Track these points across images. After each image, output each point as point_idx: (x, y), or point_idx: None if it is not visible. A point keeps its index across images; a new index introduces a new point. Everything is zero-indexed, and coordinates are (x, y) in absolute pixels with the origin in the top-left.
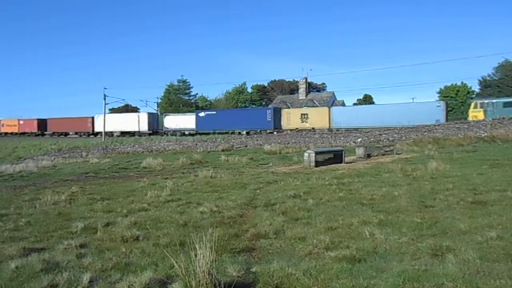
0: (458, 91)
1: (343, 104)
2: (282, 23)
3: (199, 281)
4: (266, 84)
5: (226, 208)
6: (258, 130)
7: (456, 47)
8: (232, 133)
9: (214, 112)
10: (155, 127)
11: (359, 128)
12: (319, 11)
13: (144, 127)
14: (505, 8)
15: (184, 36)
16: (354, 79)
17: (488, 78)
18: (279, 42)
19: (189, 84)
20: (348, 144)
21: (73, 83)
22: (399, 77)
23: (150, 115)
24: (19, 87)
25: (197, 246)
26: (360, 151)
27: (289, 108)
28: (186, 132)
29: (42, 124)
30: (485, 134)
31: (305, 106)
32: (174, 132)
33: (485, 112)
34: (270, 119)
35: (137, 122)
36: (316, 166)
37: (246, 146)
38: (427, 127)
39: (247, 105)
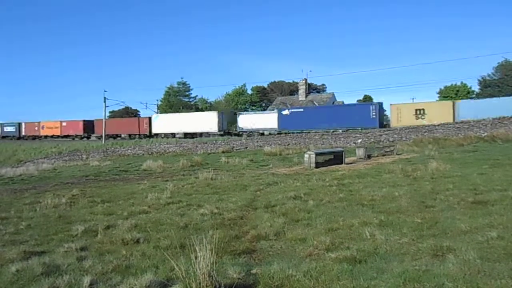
0: (458, 91)
1: None
2: (281, 24)
3: (200, 283)
4: (266, 86)
5: (227, 210)
6: (359, 129)
7: (456, 47)
8: (326, 132)
9: (301, 110)
10: (224, 127)
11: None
12: (318, 12)
13: (213, 127)
14: (504, 8)
15: (184, 37)
16: (354, 79)
17: (488, 78)
18: (278, 43)
19: (189, 86)
20: (348, 145)
21: (72, 86)
22: (399, 77)
23: (221, 114)
24: (15, 91)
25: (197, 248)
26: (360, 152)
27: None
28: (266, 132)
29: (89, 125)
30: (485, 134)
31: (304, 106)
32: (251, 133)
33: None
34: (374, 116)
35: (205, 121)
36: (317, 167)
37: (246, 147)
38: (427, 127)
39: (247, 107)
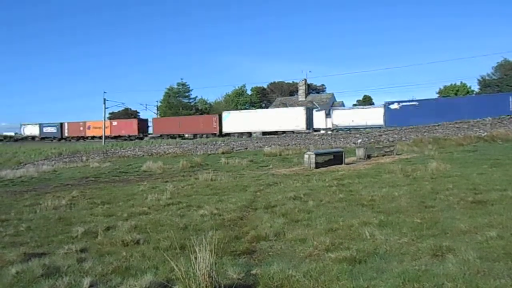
0: (457, 90)
1: (342, 105)
2: (281, 25)
3: (199, 283)
4: (265, 86)
5: (227, 210)
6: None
7: (455, 47)
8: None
9: (415, 103)
10: (310, 124)
11: None
12: (317, 12)
13: (300, 124)
14: (503, 8)
15: (183, 38)
16: (354, 80)
17: (487, 78)
18: (278, 44)
19: (189, 87)
20: (348, 145)
21: (71, 87)
22: (398, 77)
23: (309, 109)
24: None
25: (197, 249)
26: (360, 152)
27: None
28: (367, 130)
29: (143, 125)
30: (485, 134)
31: (303, 106)
32: (348, 130)
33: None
34: None
35: (290, 118)
36: (316, 167)
37: (246, 148)
38: (426, 127)
39: (247, 107)
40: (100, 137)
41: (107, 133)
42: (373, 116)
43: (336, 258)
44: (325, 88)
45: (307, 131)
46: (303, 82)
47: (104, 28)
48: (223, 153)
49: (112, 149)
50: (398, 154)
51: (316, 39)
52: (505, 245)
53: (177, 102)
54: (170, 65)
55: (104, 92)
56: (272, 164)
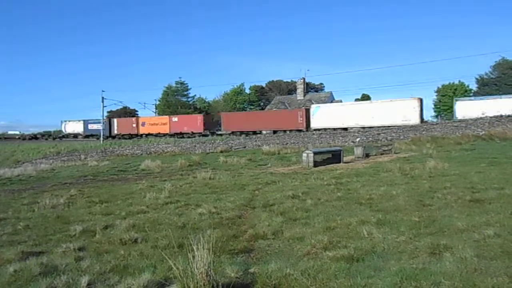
0: (455, 89)
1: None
2: (279, 24)
3: (197, 282)
4: (264, 85)
5: (225, 209)
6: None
7: (454, 46)
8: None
9: None
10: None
11: None
12: (315, 12)
13: (412, 118)
14: (502, 6)
15: (182, 38)
16: (352, 79)
17: (485, 77)
18: (276, 43)
19: (187, 86)
20: (346, 144)
21: (69, 86)
22: (396, 76)
23: (421, 100)
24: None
25: (195, 248)
26: (358, 151)
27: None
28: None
29: (209, 121)
30: (483, 133)
31: (303, 106)
32: (481, 123)
33: None
34: None
35: (398, 111)
36: (315, 166)
37: (244, 147)
38: (425, 126)
39: (245, 106)
40: (157, 135)
41: (166, 131)
42: None
43: (334, 257)
44: (324, 87)
45: (421, 124)
46: (302, 81)
47: (104, 28)
48: (221, 151)
49: (111, 148)
50: (396, 153)
51: (314, 38)
52: (502, 243)
53: (176, 101)
54: (168, 64)
55: (103, 91)
56: (271, 163)
